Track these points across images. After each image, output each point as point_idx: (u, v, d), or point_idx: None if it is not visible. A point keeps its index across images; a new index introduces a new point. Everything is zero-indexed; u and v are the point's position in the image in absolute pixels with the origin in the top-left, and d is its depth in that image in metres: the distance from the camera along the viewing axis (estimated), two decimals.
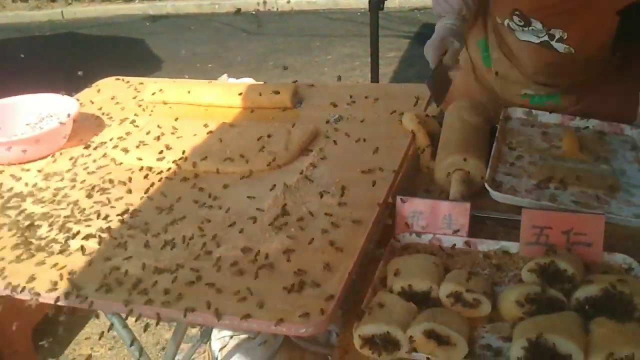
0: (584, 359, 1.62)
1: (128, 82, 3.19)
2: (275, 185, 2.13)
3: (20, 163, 2.40)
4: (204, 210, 2.02)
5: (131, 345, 2.26)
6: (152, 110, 2.82)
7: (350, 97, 2.83)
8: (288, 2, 11.52)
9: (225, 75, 6.21)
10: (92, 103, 3.00)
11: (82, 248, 1.88)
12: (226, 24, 9.95)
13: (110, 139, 2.56)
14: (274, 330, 1.53)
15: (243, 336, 3.30)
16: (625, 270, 2.01)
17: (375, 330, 1.70)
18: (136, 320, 2.21)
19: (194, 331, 3.75)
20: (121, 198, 2.15)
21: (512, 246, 2.14)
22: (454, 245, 2.16)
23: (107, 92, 3.10)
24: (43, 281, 1.77)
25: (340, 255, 1.81)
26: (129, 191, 2.19)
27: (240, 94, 2.83)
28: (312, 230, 1.91)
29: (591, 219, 2.06)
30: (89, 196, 2.17)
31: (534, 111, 2.88)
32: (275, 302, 1.63)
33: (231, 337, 3.31)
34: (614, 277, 1.82)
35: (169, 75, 3.48)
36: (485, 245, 2.15)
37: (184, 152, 2.34)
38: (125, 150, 2.42)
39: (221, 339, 3.33)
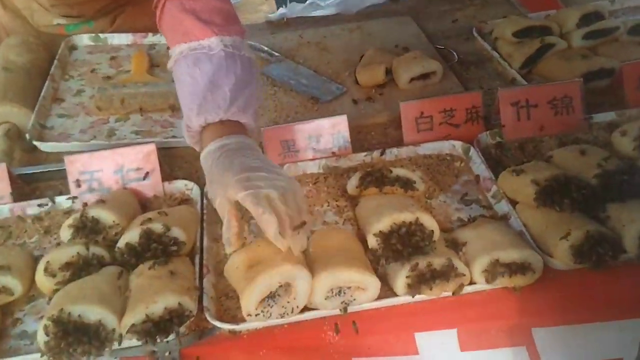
0: (120, 318, 1.43)
1: None
2: None
3: None
4: None
5: None
6: None
7: None
8: None
9: None
10: None
11: None
12: None
13: None
14: None
15: None
16: (187, 196, 1.88)
17: None
18: None
19: None
20: None
21: (66, 201, 1.87)
22: None
23: None
24: None
25: None
26: None
27: None
28: None
29: (143, 150, 1.88)
30: None
31: (102, 35, 2.59)
32: None
33: None
34: (153, 213, 1.66)
35: None
36: (32, 209, 1.86)
37: None
38: None
39: None
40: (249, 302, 1.42)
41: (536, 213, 1.64)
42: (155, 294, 1.45)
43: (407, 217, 1.54)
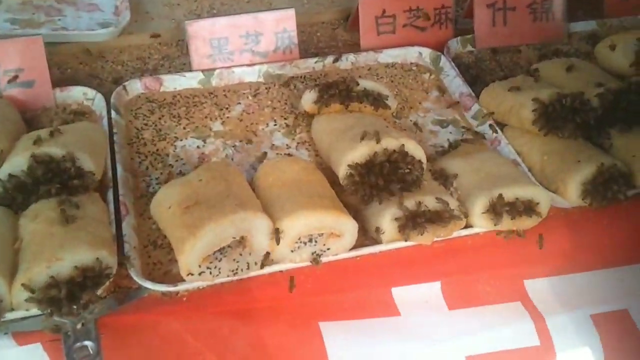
0: (10, 279, 1.04)
1: None
2: None
3: None
4: None
5: None
6: None
7: None
8: None
9: None
10: None
11: None
12: None
13: None
14: None
15: None
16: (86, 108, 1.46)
17: None
18: None
19: None
20: None
21: None
22: None
23: None
24: None
25: None
26: None
27: None
28: None
29: (25, 45, 1.41)
30: None
31: None
32: None
33: None
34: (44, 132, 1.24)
35: None
36: None
37: None
38: None
39: None
40: (189, 259, 1.08)
41: (533, 139, 1.38)
42: (60, 247, 1.07)
43: (389, 143, 1.22)
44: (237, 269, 1.12)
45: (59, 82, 1.49)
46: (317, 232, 1.15)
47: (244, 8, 1.77)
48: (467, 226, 1.25)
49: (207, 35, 1.52)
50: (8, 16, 1.61)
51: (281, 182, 1.21)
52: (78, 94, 1.46)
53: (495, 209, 1.22)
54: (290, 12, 1.55)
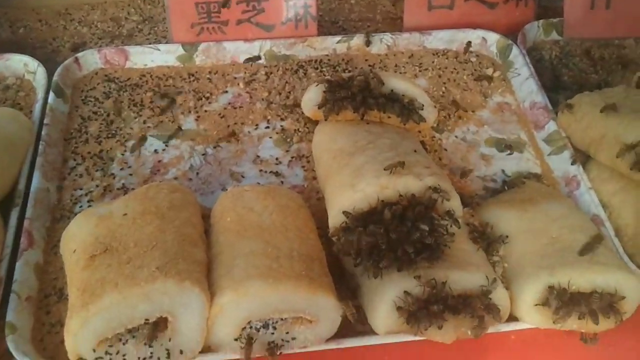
0: None
1: None
2: None
3: None
4: None
5: None
6: None
7: None
8: None
9: None
10: None
11: None
12: None
13: None
14: None
15: None
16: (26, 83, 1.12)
17: None
18: None
19: None
20: None
21: None
22: None
23: None
24: None
25: None
26: None
27: None
28: None
29: None
30: None
31: None
32: None
33: None
34: None
35: None
36: None
37: None
38: None
39: None
40: (79, 340, 0.75)
41: (628, 188, 0.96)
42: None
43: (410, 183, 0.83)
44: (150, 358, 0.77)
45: (4, 44, 1.17)
46: (278, 316, 0.78)
47: None
48: (510, 318, 0.85)
49: None
50: None
51: (242, 227, 0.85)
52: (17, 65, 1.15)
53: (557, 301, 0.81)
54: None
